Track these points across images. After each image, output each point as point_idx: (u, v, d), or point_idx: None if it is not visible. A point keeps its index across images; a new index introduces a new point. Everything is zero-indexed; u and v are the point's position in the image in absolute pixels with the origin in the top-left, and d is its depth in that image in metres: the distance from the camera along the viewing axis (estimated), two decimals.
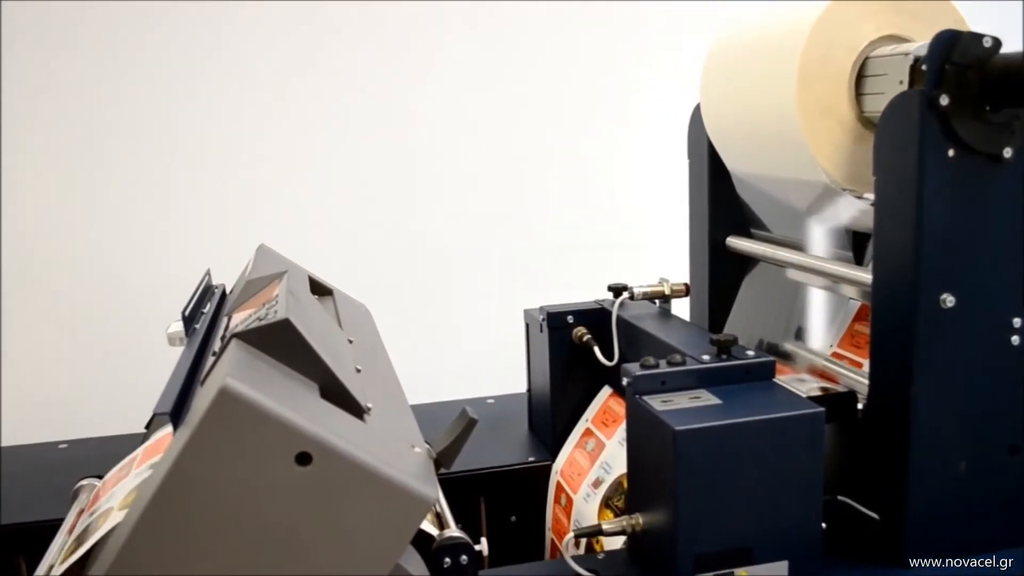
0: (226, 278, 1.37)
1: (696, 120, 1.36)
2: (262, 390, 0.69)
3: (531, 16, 2.35)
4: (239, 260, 1.46)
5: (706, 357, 1.02)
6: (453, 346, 2.36)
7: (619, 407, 1.30)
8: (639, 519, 0.98)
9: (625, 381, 0.98)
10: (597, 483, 1.23)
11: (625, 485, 1.19)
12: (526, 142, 2.38)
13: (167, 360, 1.38)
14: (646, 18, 2.41)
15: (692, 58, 1.43)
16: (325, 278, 1.28)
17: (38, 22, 2.10)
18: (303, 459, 0.69)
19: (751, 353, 1.03)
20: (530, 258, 2.40)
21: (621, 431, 1.26)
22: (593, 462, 1.27)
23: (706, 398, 0.96)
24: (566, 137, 2.40)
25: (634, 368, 0.98)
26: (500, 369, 2.05)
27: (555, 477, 1.34)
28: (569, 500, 1.28)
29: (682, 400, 0.95)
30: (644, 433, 0.95)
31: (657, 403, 0.94)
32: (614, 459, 1.23)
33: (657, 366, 0.99)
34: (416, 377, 1.31)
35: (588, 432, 1.32)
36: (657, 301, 1.31)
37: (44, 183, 2.16)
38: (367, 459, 0.70)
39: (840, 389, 1.12)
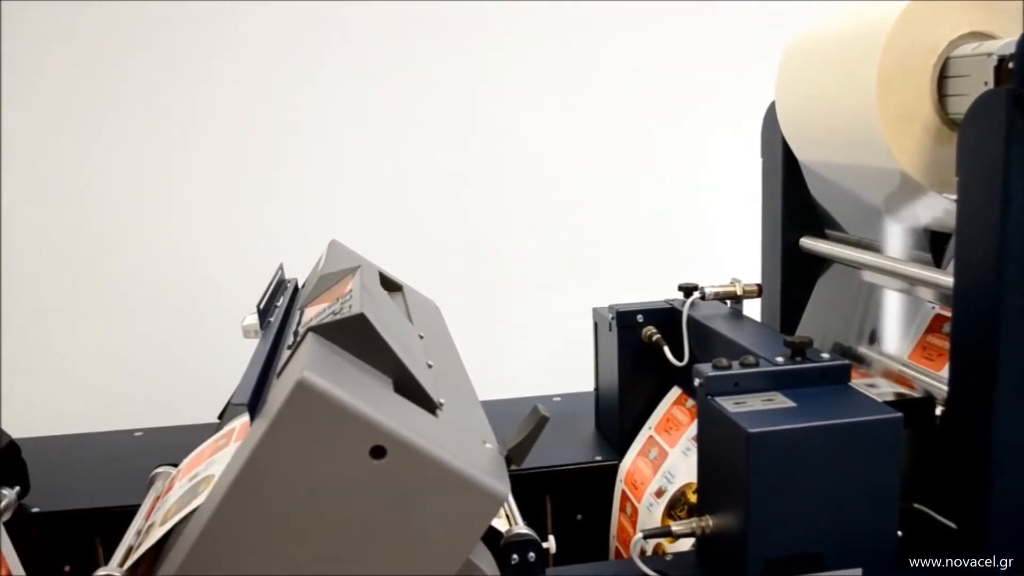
0: (295, 272, 1.39)
1: (770, 118, 1.34)
2: (338, 383, 0.70)
3: (604, 12, 2.34)
4: (308, 255, 1.48)
5: (780, 359, 1.00)
6: (519, 343, 2.36)
7: (682, 415, 1.29)
8: (708, 521, 0.97)
9: (697, 382, 0.97)
10: (660, 492, 1.22)
11: (688, 495, 1.19)
12: (597, 139, 2.37)
13: (239, 352, 1.41)
14: (716, 16, 2.38)
15: (763, 56, 1.41)
16: (393, 274, 1.30)
17: (129, 20, 2.15)
18: (377, 452, 0.70)
19: (826, 356, 1.01)
20: (598, 256, 2.38)
21: (684, 440, 1.25)
22: (656, 471, 1.26)
23: (780, 401, 0.94)
24: (637, 135, 2.39)
25: (706, 369, 0.97)
26: (566, 367, 2.05)
27: (620, 485, 1.34)
28: (635, 509, 1.27)
29: (755, 402, 0.93)
30: (716, 435, 0.94)
31: (730, 405, 0.93)
32: (676, 468, 1.22)
33: (730, 367, 0.98)
34: (482, 374, 1.31)
35: (651, 440, 1.31)
36: (728, 302, 1.30)
37: (123, 177, 2.22)
38: (440, 454, 0.71)
39: (916, 394, 1.10)
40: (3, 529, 1.21)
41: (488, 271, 2.37)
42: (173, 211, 2.23)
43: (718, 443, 0.94)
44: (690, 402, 1.29)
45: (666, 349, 1.29)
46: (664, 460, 1.25)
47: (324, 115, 2.27)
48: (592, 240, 2.38)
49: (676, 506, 1.19)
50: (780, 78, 1.27)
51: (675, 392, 1.33)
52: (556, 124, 2.35)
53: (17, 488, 1.25)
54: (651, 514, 1.22)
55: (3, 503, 1.21)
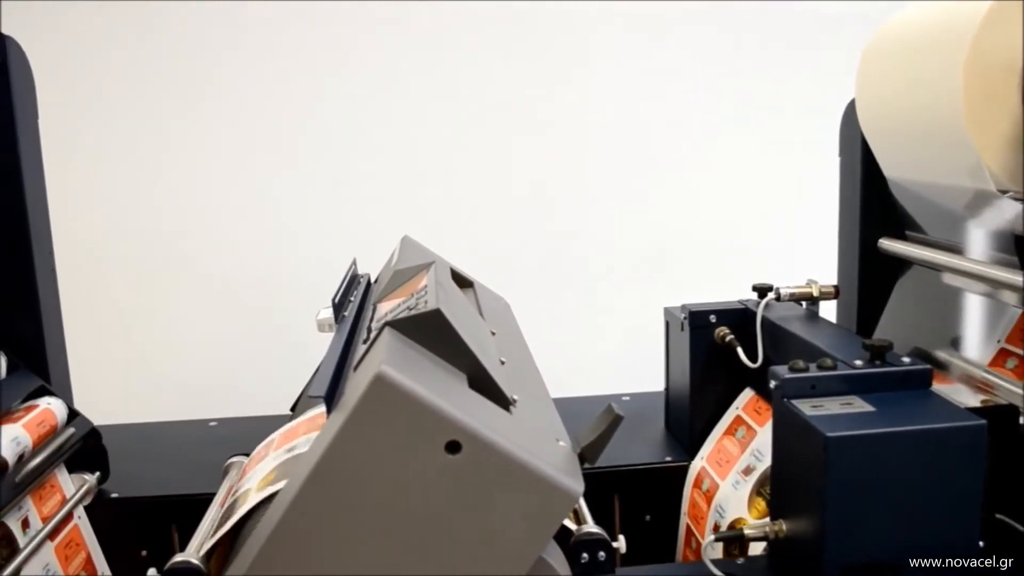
0: (366, 267, 1.40)
1: (850, 117, 1.32)
2: (415, 378, 0.70)
3: (679, 13, 2.32)
4: (379, 250, 1.50)
5: (859, 362, 0.98)
6: (587, 342, 2.35)
7: (754, 417, 1.27)
8: (782, 526, 0.95)
9: (773, 384, 0.96)
10: (748, 470, 1.20)
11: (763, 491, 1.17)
12: (671, 138, 2.35)
13: (311, 345, 1.43)
14: (793, 16, 2.34)
15: (839, 54, 1.39)
16: (464, 270, 1.30)
17: (205, 19, 2.20)
18: (453, 448, 0.70)
19: (907, 360, 0.99)
20: (668, 255, 2.36)
21: (755, 444, 1.23)
22: (744, 449, 1.24)
23: (859, 405, 0.92)
24: (711, 134, 2.36)
25: (783, 371, 0.96)
26: (634, 367, 2.04)
27: (698, 464, 1.32)
28: (713, 485, 1.25)
29: (833, 406, 0.92)
30: (792, 438, 0.93)
31: (807, 408, 0.91)
32: (767, 446, 1.20)
33: (807, 370, 0.96)
34: (550, 371, 1.31)
35: (739, 420, 1.30)
36: (804, 303, 1.27)
37: (201, 173, 2.27)
38: (515, 450, 0.71)
39: (1000, 402, 1.06)
40: (84, 513, 1.24)
41: (557, 269, 2.36)
42: (249, 206, 2.28)
43: (794, 446, 0.92)
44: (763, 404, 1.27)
45: (739, 350, 1.27)
46: (753, 438, 1.24)
47: (397, 112, 2.29)
48: (663, 239, 2.37)
49: (765, 484, 1.17)
50: (860, 78, 1.25)
51: (748, 393, 1.31)
52: (631, 123, 2.34)
53: (98, 473, 1.28)
54: (737, 491, 1.20)
55: (84, 488, 1.24)
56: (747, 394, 1.32)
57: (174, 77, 2.24)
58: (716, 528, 1.16)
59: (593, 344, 2.35)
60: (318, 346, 1.40)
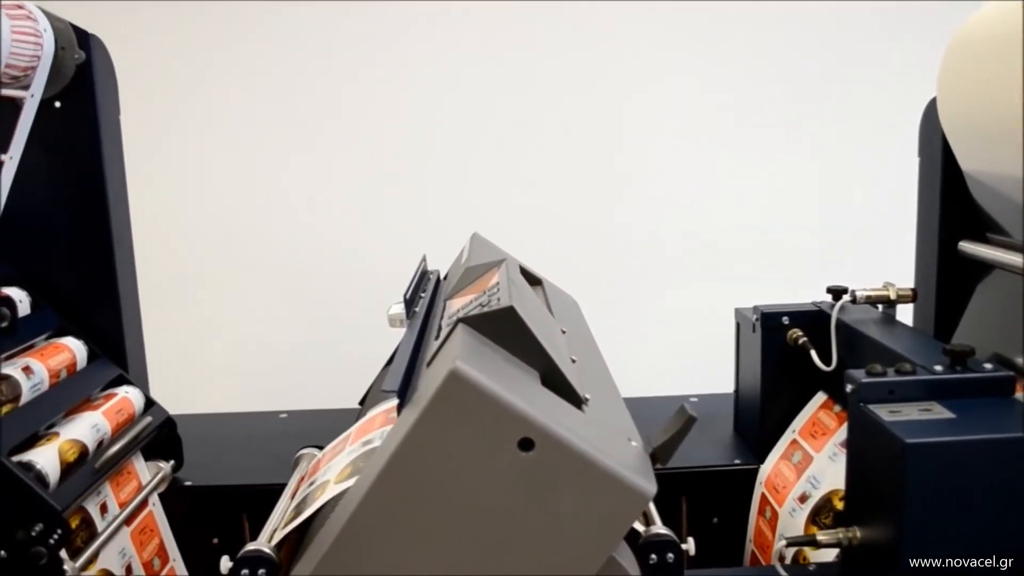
0: (433, 264, 1.41)
1: (930, 116, 1.29)
2: (489, 375, 0.70)
3: (742, 11, 2.29)
4: (447, 247, 1.50)
5: (938, 368, 0.96)
6: (654, 342, 2.33)
7: (829, 419, 1.25)
8: (856, 532, 0.93)
9: (849, 388, 0.94)
10: (803, 498, 1.19)
11: (834, 502, 1.15)
12: (737, 138, 2.32)
13: (379, 339, 1.44)
14: (864, 12, 2.30)
15: (919, 54, 1.36)
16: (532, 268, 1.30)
17: (283, 20, 2.24)
18: (526, 445, 0.70)
19: (989, 366, 0.96)
20: (739, 256, 2.33)
21: (831, 445, 1.21)
22: (799, 475, 1.22)
23: (938, 411, 0.90)
24: (779, 133, 2.33)
25: (859, 375, 0.94)
26: (701, 368, 2.02)
27: (759, 488, 1.30)
28: (775, 514, 1.24)
29: (911, 411, 0.90)
30: (868, 443, 0.91)
31: (884, 413, 0.89)
32: (823, 474, 1.18)
33: (884, 374, 0.94)
34: (616, 371, 1.30)
35: (795, 443, 1.28)
36: (880, 306, 1.25)
37: (271, 170, 2.31)
38: (588, 449, 0.70)
39: None
40: (158, 500, 1.27)
41: (624, 267, 2.35)
42: (322, 203, 2.31)
43: (871, 452, 0.90)
44: (838, 407, 1.25)
45: (813, 353, 1.25)
46: (809, 465, 1.22)
47: (466, 111, 2.30)
48: (733, 239, 2.34)
49: (820, 513, 1.16)
50: (942, 75, 1.21)
51: (820, 397, 1.29)
52: (700, 123, 2.31)
53: (172, 462, 1.31)
54: (793, 520, 1.19)
55: (160, 475, 1.27)
56: (811, 407, 1.30)
57: (251, 76, 2.29)
58: (781, 559, 1.14)
59: (659, 344, 2.33)
60: (387, 341, 1.42)
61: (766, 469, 1.31)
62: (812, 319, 1.30)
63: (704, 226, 2.34)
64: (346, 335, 2.26)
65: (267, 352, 2.33)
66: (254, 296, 2.33)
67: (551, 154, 2.32)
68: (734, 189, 2.34)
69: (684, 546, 0.91)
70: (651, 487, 0.73)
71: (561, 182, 2.33)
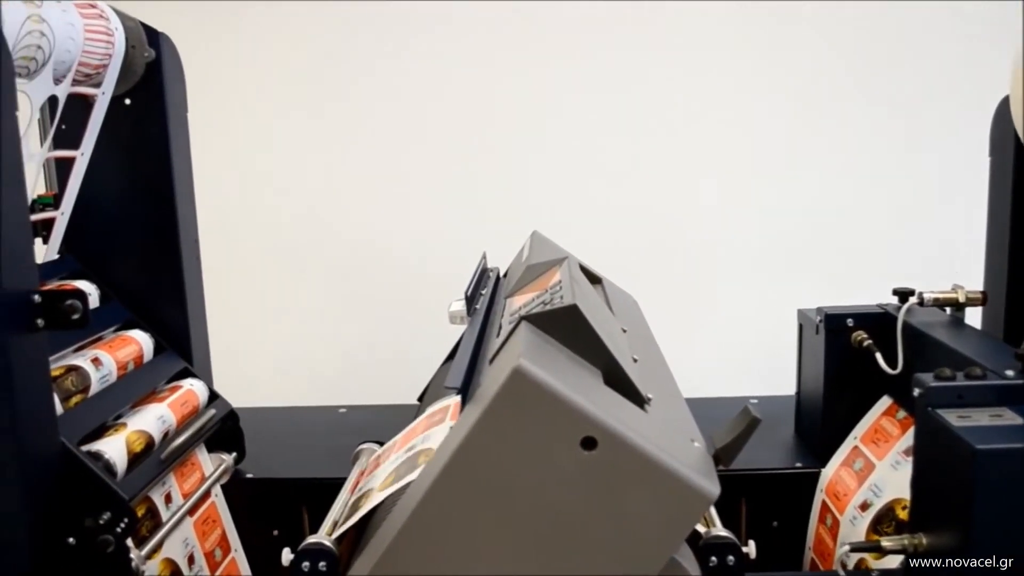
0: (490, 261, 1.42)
1: (1002, 116, 1.25)
2: (552, 373, 0.70)
3: (813, 9, 2.26)
4: (503, 244, 1.51)
5: (1010, 372, 0.94)
6: (712, 342, 2.31)
7: (892, 427, 1.23)
8: (922, 539, 0.92)
9: (917, 392, 0.92)
10: (864, 506, 1.17)
11: (897, 511, 1.13)
12: (802, 136, 2.29)
13: (438, 336, 1.45)
14: (936, 11, 2.25)
15: (987, 51, 1.32)
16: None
17: (364, 22, 2.27)
18: (589, 444, 0.70)
19: None
20: (802, 256, 2.30)
21: (894, 453, 1.19)
22: (861, 483, 1.20)
23: (1009, 417, 0.88)
24: (845, 133, 2.29)
25: (928, 379, 0.92)
26: (760, 369, 2.00)
27: (820, 495, 1.29)
28: (836, 521, 1.22)
29: (982, 417, 0.87)
30: (936, 449, 0.89)
31: (953, 418, 0.87)
32: (885, 482, 1.16)
33: (953, 378, 0.92)
34: (673, 371, 1.29)
35: (856, 451, 1.25)
36: (948, 308, 1.22)
37: (335, 171, 2.34)
38: (651, 449, 0.70)
39: None
40: (221, 491, 1.29)
41: (683, 267, 2.33)
42: (380, 200, 2.33)
43: (938, 458, 0.88)
44: (901, 413, 1.22)
45: (878, 356, 1.23)
46: (871, 473, 1.19)
47: (525, 109, 2.30)
48: (795, 239, 2.30)
49: (883, 521, 1.14)
50: (1015, 73, 1.18)
51: (885, 401, 1.26)
52: (760, 122, 2.29)
53: (234, 454, 1.33)
54: (854, 527, 1.17)
55: (222, 467, 1.29)
56: (874, 412, 1.27)
57: (314, 75, 2.31)
58: (843, 566, 1.13)
59: (717, 344, 2.31)
60: (445, 338, 1.43)
61: (828, 474, 1.29)
62: (877, 321, 1.27)
63: (765, 225, 2.31)
64: (404, 331, 2.28)
65: (327, 347, 2.36)
66: (316, 293, 2.36)
67: (609, 152, 2.31)
68: (797, 188, 2.30)
69: (744, 549, 0.91)
70: (715, 489, 0.72)
71: (620, 180, 2.32)
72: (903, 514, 1.10)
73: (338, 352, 2.35)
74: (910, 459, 1.01)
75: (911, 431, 1.12)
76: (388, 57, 2.30)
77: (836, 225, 2.28)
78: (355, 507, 0.97)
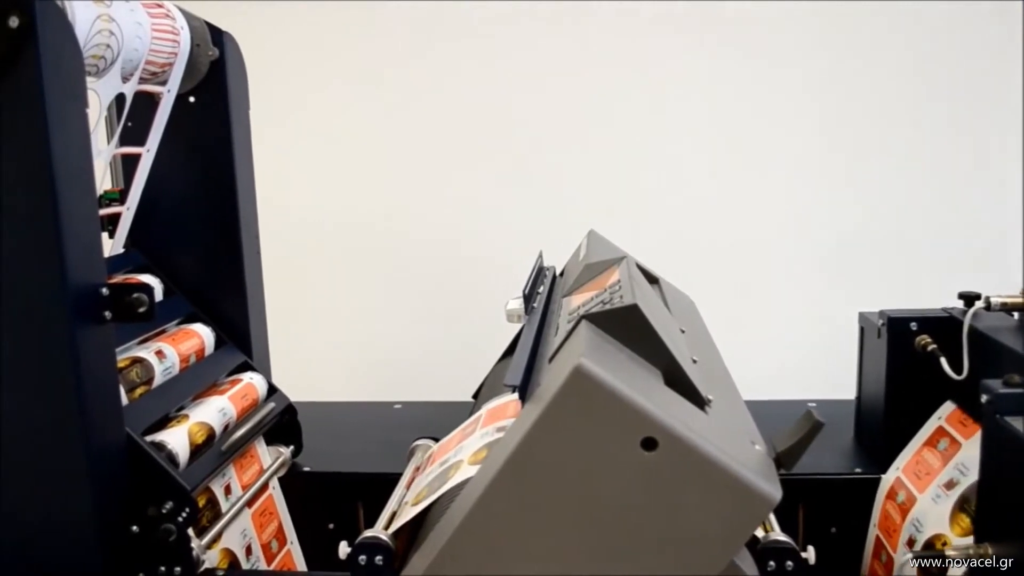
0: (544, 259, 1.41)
1: None
2: (613, 372, 0.70)
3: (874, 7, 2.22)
4: (557, 243, 1.50)
5: None
6: (769, 344, 2.28)
7: (956, 432, 1.20)
8: (988, 549, 0.90)
9: (984, 398, 0.90)
10: (951, 484, 1.14)
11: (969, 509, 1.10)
12: (864, 135, 2.25)
13: (493, 334, 1.45)
14: (1008, 7, 2.20)
15: None
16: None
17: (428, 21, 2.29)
18: (649, 444, 0.69)
19: None
20: (863, 259, 2.26)
21: (957, 460, 1.16)
22: (946, 462, 1.17)
23: None
24: (911, 127, 2.24)
25: (996, 385, 0.90)
26: (817, 372, 1.97)
27: (881, 499, 1.26)
28: (910, 497, 1.19)
29: None
30: (1004, 457, 0.87)
31: (1022, 425, 0.85)
32: (974, 462, 1.13)
33: (1023, 385, 0.90)
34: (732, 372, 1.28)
35: (941, 431, 1.22)
36: (1016, 313, 1.19)
37: (392, 169, 2.36)
38: (713, 451, 0.69)
39: None
40: (278, 484, 1.31)
41: (740, 268, 2.31)
42: (437, 198, 2.34)
43: (1006, 466, 0.87)
44: (965, 419, 1.20)
45: (943, 361, 1.20)
46: (957, 451, 1.16)
47: (577, 111, 2.30)
48: (857, 241, 2.26)
49: (972, 500, 1.10)
50: None
51: (948, 407, 1.24)
52: (820, 120, 2.25)
53: (292, 447, 1.35)
54: (937, 506, 1.13)
55: (280, 460, 1.31)
56: (948, 407, 1.24)
57: (367, 72, 2.33)
58: (911, 543, 1.10)
59: (773, 348, 2.28)
60: (500, 336, 1.43)
61: (889, 479, 1.26)
62: (942, 326, 1.24)
63: (824, 226, 2.28)
64: (459, 329, 2.29)
65: (383, 344, 2.38)
66: (374, 290, 2.39)
67: (665, 152, 2.30)
68: (858, 188, 2.26)
69: (803, 555, 0.90)
70: (776, 493, 0.71)
71: (676, 180, 2.31)
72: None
73: (394, 348, 2.37)
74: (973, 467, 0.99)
75: (974, 438, 1.10)
76: (441, 54, 2.31)
77: (898, 226, 2.24)
78: (415, 500, 0.98)
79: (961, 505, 1.10)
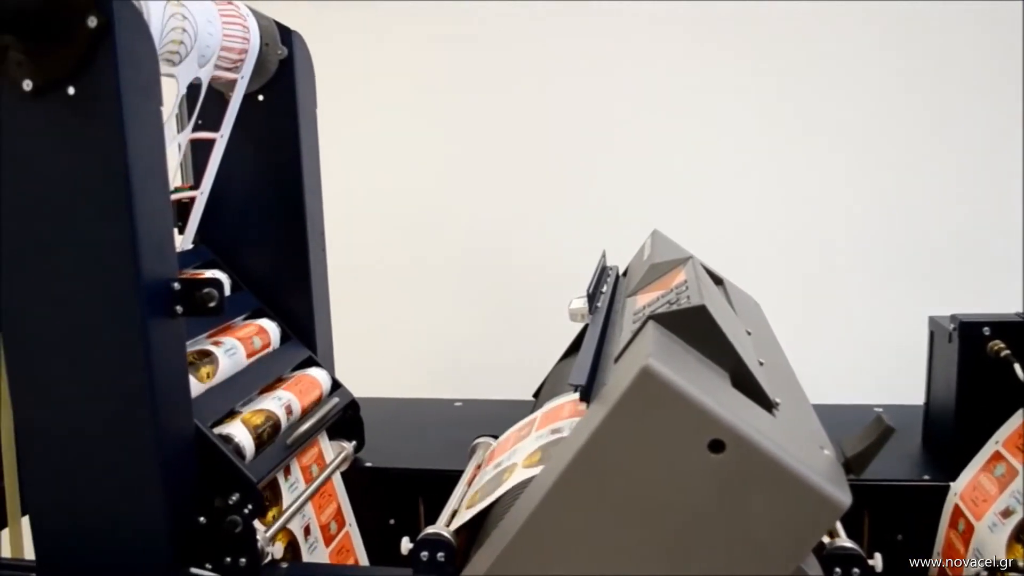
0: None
1: None
2: (680, 373, 0.69)
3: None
4: (618, 242, 1.50)
5: None
6: (834, 347, 2.25)
7: None
8: None
9: None
10: (1007, 513, 1.11)
11: None
12: (935, 132, 2.20)
13: (553, 333, 1.45)
14: None
15: None
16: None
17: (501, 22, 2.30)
18: (716, 447, 0.69)
19: None
20: (933, 261, 2.21)
21: None
22: (1002, 489, 1.14)
23: None
24: (985, 127, 2.19)
25: None
26: (882, 376, 1.93)
27: (953, 499, 1.23)
28: (969, 526, 1.17)
29: None
30: None
31: None
32: None
33: None
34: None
35: (997, 456, 1.20)
36: None
37: (456, 167, 2.37)
38: (781, 455, 0.68)
39: None
40: (340, 478, 1.32)
41: (804, 270, 2.27)
42: (500, 196, 2.35)
43: None
44: None
45: (1017, 367, 1.17)
46: (1014, 479, 1.13)
47: (642, 111, 2.29)
48: (926, 242, 2.21)
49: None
50: None
51: (1010, 425, 1.20)
52: (888, 119, 2.21)
53: (354, 442, 1.36)
54: (993, 535, 1.11)
55: (343, 454, 1.32)
56: (1014, 421, 1.21)
57: (434, 74, 2.35)
58: None
59: (837, 351, 2.24)
60: (561, 335, 1.43)
61: (960, 485, 1.23)
62: (1016, 330, 1.21)
63: (894, 227, 2.23)
64: (519, 328, 2.29)
65: (445, 341, 2.39)
66: (434, 289, 2.40)
67: (729, 151, 2.28)
68: (927, 188, 2.21)
69: (870, 562, 0.88)
70: (846, 498, 0.70)
71: (739, 179, 2.28)
72: None
73: (455, 346, 2.38)
74: None
75: None
76: (507, 57, 2.32)
77: (971, 226, 2.19)
78: (471, 501, 0.98)
79: (1017, 535, 1.07)
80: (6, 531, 1.18)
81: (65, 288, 0.91)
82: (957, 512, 1.21)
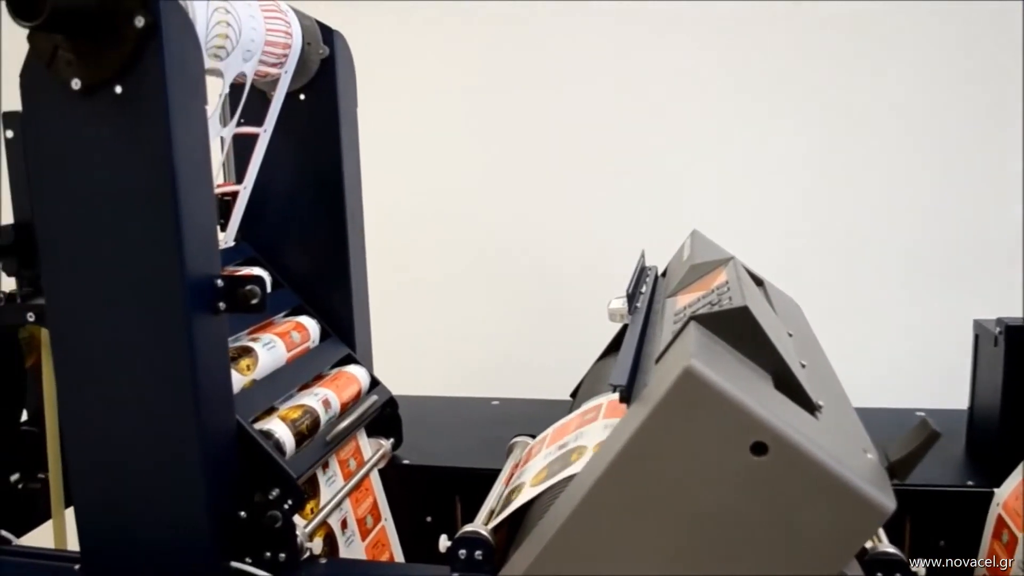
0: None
1: None
2: (723, 374, 0.69)
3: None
4: (656, 242, 1.49)
5: None
6: (876, 350, 2.22)
7: None
8: None
9: None
10: None
11: None
12: (979, 132, 2.17)
13: (591, 333, 1.45)
14: None
15: None
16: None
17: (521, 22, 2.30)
18: (759, 449, 0.68)
19: None
20: (974, 261, 2.18)
21: None
22: None
23: None
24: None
25: None
26: (925, 380, 1.91)
27: (996, 509, 1.21)
28: (1012, 538, 1.15)
29: None
30: None
31: None
32: None
33: None
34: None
35: None
36: None
37: (496, 166, 2.38)
38: (825, 458, 0.68)
39: None
40: (378, 476, 1.33)
41: (845, 271, 2.25)
42: (539, 196, 2.35)
43: None
44: None
45: None
46: None
47: (678, 111, 2.28)
48: (971, 244, 2.18)
49: None
50: None
51: None
52: (939, 122, 2.18)
53: (392, 439, 1.36)
54: None
55: (381, 452, 1.32)
56: None
57: (473, 76, 2.35)
58: None
59: (879, 354, 2.22)
60: (599, 335, 1.43)
61: (1002, 496, 1.21)
62: None
63: (938, 228, 2.20)
64: (559, 328, 2.29)
65: (483, 341, 2.40)
66: (473, 288, 2.41)
67: (768, 152, 2.26)
68: (971, 190, 2.18)
69: (913, 567, 0.87)
70: (890, 503, 0.69)
71: (779, 180, 2.26)
72: None
73: (493, 345, 2.38)
74: None
75: None
76: (545, 57, 2.32)
77: (1014, 230, 2.15)
78: (509, 500, 0.98)
79: None
80: (50, 522, 1.21)
81: (110, 285, 0.93)
82: (1000, 523, 1.19)
